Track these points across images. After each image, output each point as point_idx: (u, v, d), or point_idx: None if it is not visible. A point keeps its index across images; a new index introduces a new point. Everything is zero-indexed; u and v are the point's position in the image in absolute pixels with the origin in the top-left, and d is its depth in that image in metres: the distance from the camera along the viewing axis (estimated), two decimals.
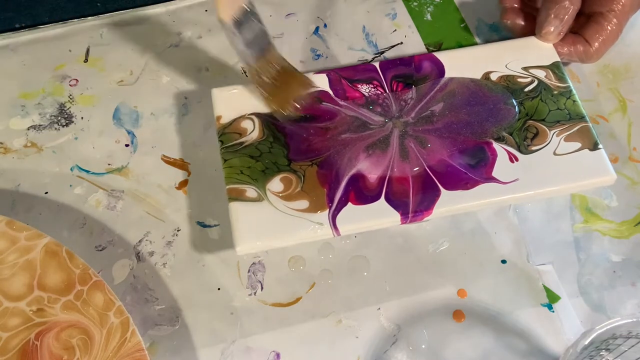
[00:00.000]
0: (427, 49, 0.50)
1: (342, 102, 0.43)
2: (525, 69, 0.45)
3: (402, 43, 0.50)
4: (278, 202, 0.39)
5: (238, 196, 0.39)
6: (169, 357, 0.39)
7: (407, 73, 0.45)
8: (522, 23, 0.47)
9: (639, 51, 0.50)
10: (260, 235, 0.38)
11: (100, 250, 0.42)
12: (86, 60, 0.49)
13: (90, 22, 0.51)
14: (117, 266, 0.41)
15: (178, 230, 0.42)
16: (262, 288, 0.41)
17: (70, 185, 0.44)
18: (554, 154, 0.41)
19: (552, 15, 0.44)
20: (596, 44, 0.45)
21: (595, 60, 0.46)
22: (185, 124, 0.46)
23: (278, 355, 0.39)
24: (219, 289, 0.41)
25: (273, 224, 0.39)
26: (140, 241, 0.42)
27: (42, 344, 0.37)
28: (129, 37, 0.50)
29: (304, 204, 0.39)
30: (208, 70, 0.49)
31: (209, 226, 0.43)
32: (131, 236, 0.42)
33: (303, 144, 0.42)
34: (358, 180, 0.40)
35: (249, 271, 0.41)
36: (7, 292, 0.38)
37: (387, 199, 0.39)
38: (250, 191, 0.40)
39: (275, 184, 0.40)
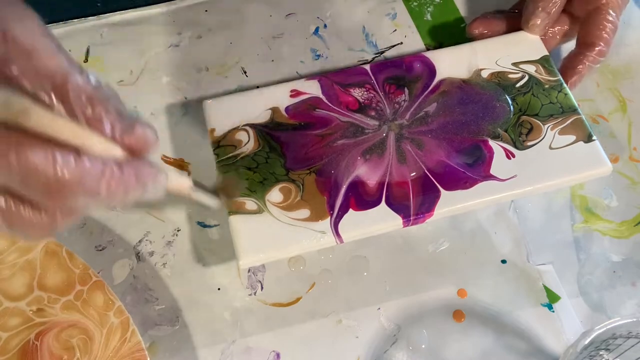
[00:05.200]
0: (427, 49, 0.50)
1: (335, 108, 0.43)
2: (515, 64, 0.45)
3: (402, 43, 0.50)
4: (278, 212, 0.39)
5: (238, 209, 0.39)
6: (169, 357, 0.39)
7: (399, 75, 0.44)
8: (489, 31, 0.47)
9: (638, 51, 0.50)
10: (262, 248, 0.38)
11: (100, 250, 0.42)
12: (86, 60, 0.49)
13: (90, 22, 0.51)
14: (117, 266, 0.41)
15: (178, 230, 0.42)
16: (262, 288, 0.41)
17: None
18: (550, 148, 0.41)
19: (540, 8, 0.45)
20: (601, 42, 0.44)
21: (608, 54, 0.45)
22: (185, 124, 0.46)
23: (278, 355, 0.39)
24: (219, 289, 0.41)
25: (275, 235, 0.38)
26: (140, 241, 0.42)
27: (42, 344, 0.37)
28: (129, 37, 0.50)
29: (304, 213, 0.39)
30: (208, 70, 0.49)
31: (209, 226, 0.43)
32: (131, 236, 0.42)
33: (300, 152, 0.41)
34: (357, 186, 0.40)
35: (249, 271, 0.41)
36: (7, 292, 0.38)
37: (388, 203, 0.39)
38: (250, 203, 0.39)
39: (275, 195, 0.40)
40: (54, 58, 0.27)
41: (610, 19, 0.44)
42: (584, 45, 0.45)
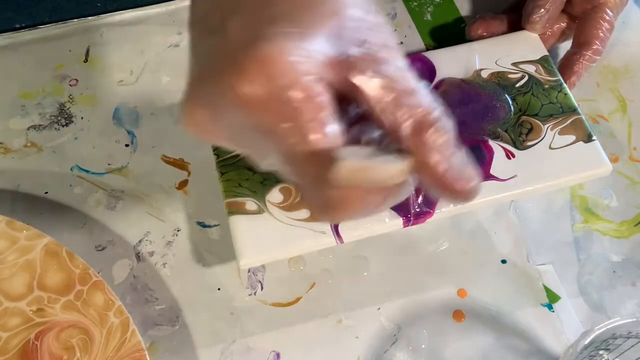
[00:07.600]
0: (427, 49, 0.50)
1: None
2: (515, 64, 0.45)
3: (402, 43, 0.50)
4: (279, 213, 0.39)
5: (238, 209, 0.39)
6: (169, 357, 0.39)
7: None
8: (489, 33, 0.47)
9: (638, 51, 0.50)
10: (263, 248, 0.38)
11: (100, 250, 0.42)
12: (86, 60, 0.49)
13: (90, 22, 0.51)
14: (117, 266, 0.41)
15: (178, 230, 0.42)
16: (262, 288, 0.41)
17: (70, 185, 0.44)
18: (550, 148, 0.41)
19: (539, 5, 0.45)
20: (597, 41, 0.44)
21: (602, 53, 0.46)
22: None
23: (278, 355, 0.39)
24: (219, 289, 0.41)
25: (275, 235, 0.38)
26: (140, 241, 0.42)
27: (42, 344, 0.37)
28: (129, 37, 0.50)
29: (304, 213, 0.39)
30: None
31: (209, 226, 0.43)
32: (131, 236, 0.42)
33: None
34: None
35: (249, 271, 0.41)
36: (7, 292, 0.38)
37: None
38: (250, 204, 0.39)
39: (275, 195, 0.40)
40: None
41: (607, 18, 0.44)
42: (580, 45, 0.45)
